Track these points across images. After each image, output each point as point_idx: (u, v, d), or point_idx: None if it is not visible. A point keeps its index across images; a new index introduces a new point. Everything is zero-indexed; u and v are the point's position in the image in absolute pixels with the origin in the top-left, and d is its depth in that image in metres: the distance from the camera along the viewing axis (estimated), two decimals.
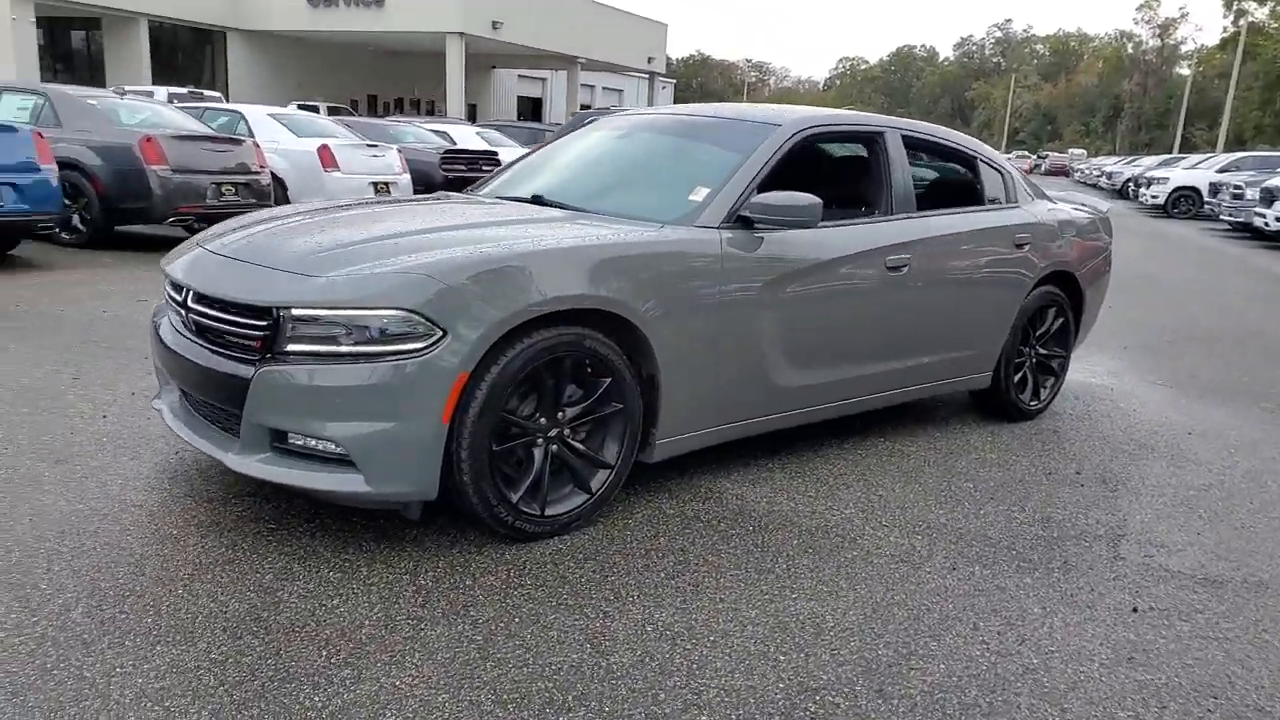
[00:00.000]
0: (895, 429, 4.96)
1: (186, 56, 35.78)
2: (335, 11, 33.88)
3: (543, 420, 3.24)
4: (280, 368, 2.90)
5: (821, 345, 4.05)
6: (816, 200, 3.68)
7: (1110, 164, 44.21)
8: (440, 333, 2.89)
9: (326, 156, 11.64)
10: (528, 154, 4.94)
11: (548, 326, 3.13)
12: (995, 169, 5.09)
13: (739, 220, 3.73)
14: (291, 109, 13.55)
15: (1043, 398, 5.38)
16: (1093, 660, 2.74)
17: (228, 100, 26.92)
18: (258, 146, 10.70)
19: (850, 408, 4.33)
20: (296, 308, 2.90)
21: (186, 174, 9.61)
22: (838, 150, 5.31)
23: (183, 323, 3.33)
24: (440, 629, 2.68)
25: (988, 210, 4.91)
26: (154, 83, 31.10)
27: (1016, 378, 5.21)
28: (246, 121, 12.15)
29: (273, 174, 11.03)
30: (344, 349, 2.88)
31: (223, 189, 10.00)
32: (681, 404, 3.59)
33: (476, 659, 2.54)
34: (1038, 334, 5.29)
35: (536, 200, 4.11)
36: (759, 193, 3.79)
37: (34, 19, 28.78)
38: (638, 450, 3.54)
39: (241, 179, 10.21)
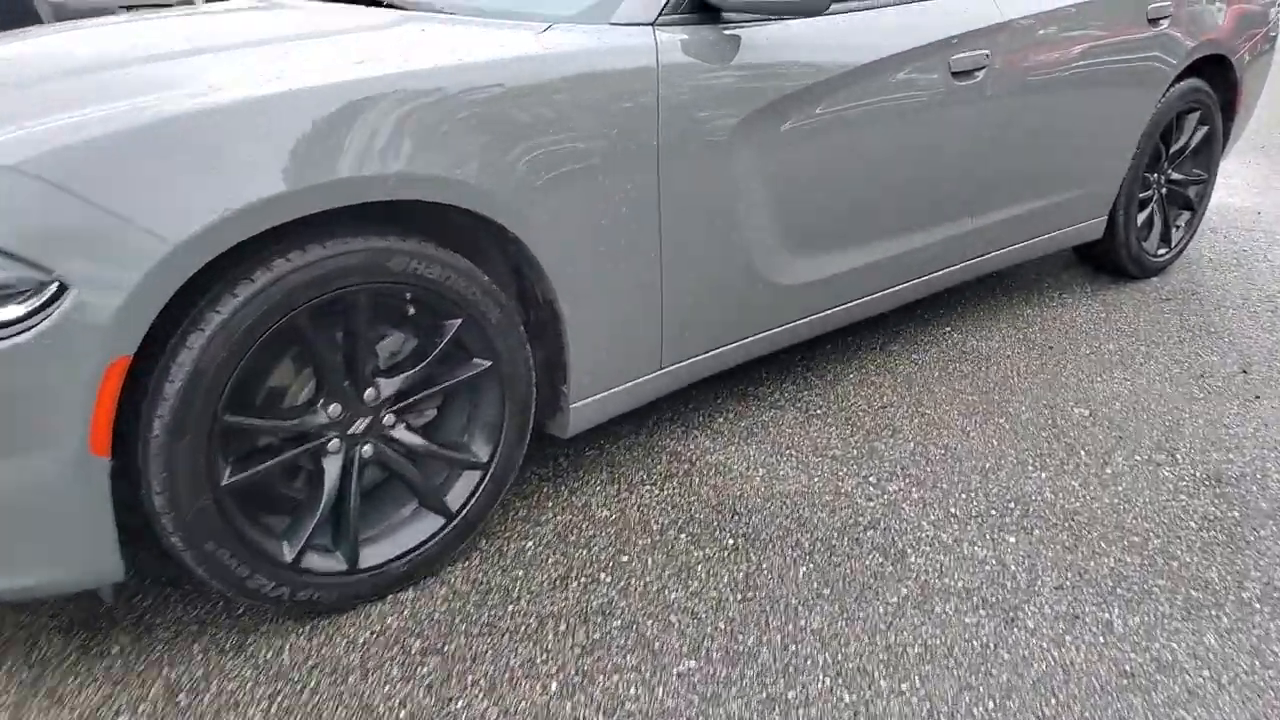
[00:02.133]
0: (959, 311, 3.44)
1: None
2: None
3: (334, 409, 1.80)
4: None
5: (845, 213, 2.52)
6: None
7: None
8: (51, 284, 1.44)
9: None
10: None
11: (312, 241, 1.66)
12: None
13: (696, 7, 2.14)
14: None
15: (1174, 243, 3.79)
16: None
17: None
18: None
19: (892, 299, 2.81)
20: None
21: None
22: None
23: None
24: None
25: None
26: None
27: (1141, 218, 3.61)
28: None
29: None
30: None
31: (134, 8, 8.29)
32: (605, 341, 2.13)
33: None
34: (1171, 151, 3.65)
35: None
36: None
37: None
38: (533, 424, 2.11)
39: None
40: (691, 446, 2.48)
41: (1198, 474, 2.38)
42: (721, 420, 2.61)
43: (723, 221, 2.24)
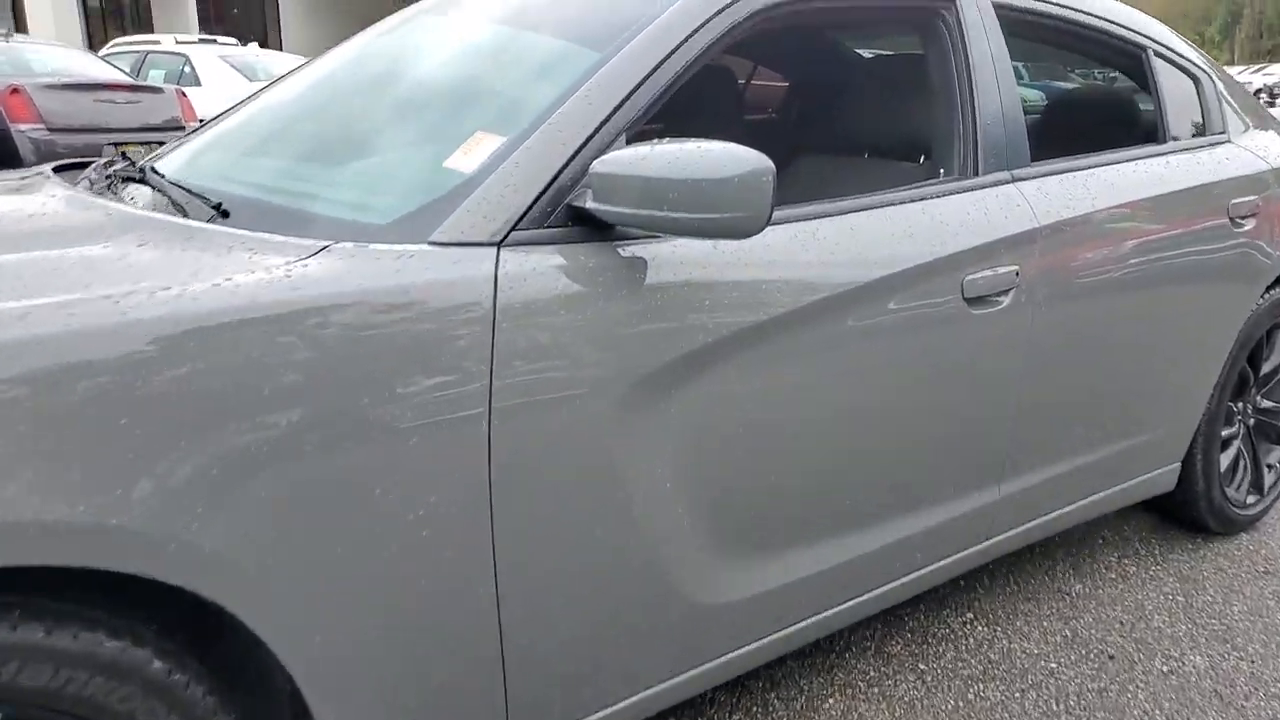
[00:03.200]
0: (986, 586, 2.62)
1: (236, 5, 34.43)
2: None
3: None
4: None
5: (805, 497, 1.75)
6: (761, 164, 1.36)
7: (1235, 73, 39.59)
8: None
9: None
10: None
11: None
12: (1183, 70, 2.62)
13: (572, 218, 1.44)
14: (251, 50, 11.47)
15: (1267, 489, 2.95)
16: None
17: (280, 49, 25.10)
18: (183, 96, 8.62)
19: (881, 601, 2.01)
20: None
21: (72, 133, 7.58)
22: (849, 46, 2.90)
23: None
24: None
25: (1173, 152, 2.46)
26: (200, 34, 29.73)
27: (1225, 460, 2.80)
28: (192, 66, 10.09)
29: None
30: None
31: (128, 151, 7.95)
32: None
33: None
34: (1261, 375, 2.86)
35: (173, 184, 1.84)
36: (626, 145, 1.47)
37: None
38: None
39: (158, 137, 8.16)
40: None
41: None
42: None
43: (610, 523, 1.48)
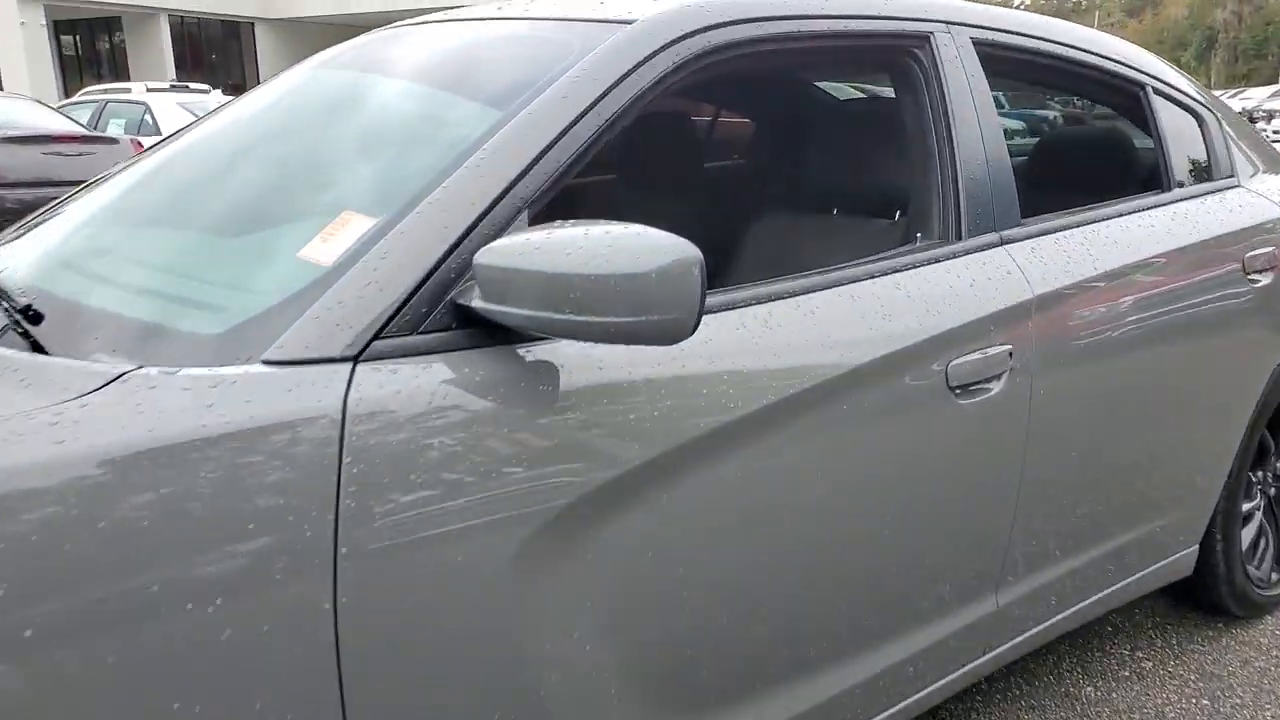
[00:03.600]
0: (986, 680, 2.31)
1: (215, 51, 34.41)
2: None
3: None
4: None
5: (756, 636, 1.45)
6: (685, 254, 1.07)
7: None
8: None
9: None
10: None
11: None
12: (1186, 108, 2.35)
13: (452, 317, 1.15)
14: (214, 96, 11.21)
15: None
16: None
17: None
18: (139, 146, 8.35)
19: None
20: None
21: (20, 187, 7.29)
22: (818, 88, 2.63)
23: None
24: None
25: (1179, 200, 2.18)
26: (177, 80, 29.67)
27: (1246, 537, 2.51)
28: (153, 114, 9.83)
29: None
30: None
31: None
32: None
33: None
34: None
35: None
36: (528, 227, 1.19)
37: (44, 22, 27.78)
38: None
39: None
40: None
41: None
42: None
43: (511, 706, 1.17)
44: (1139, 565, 2.16)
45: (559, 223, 1.14)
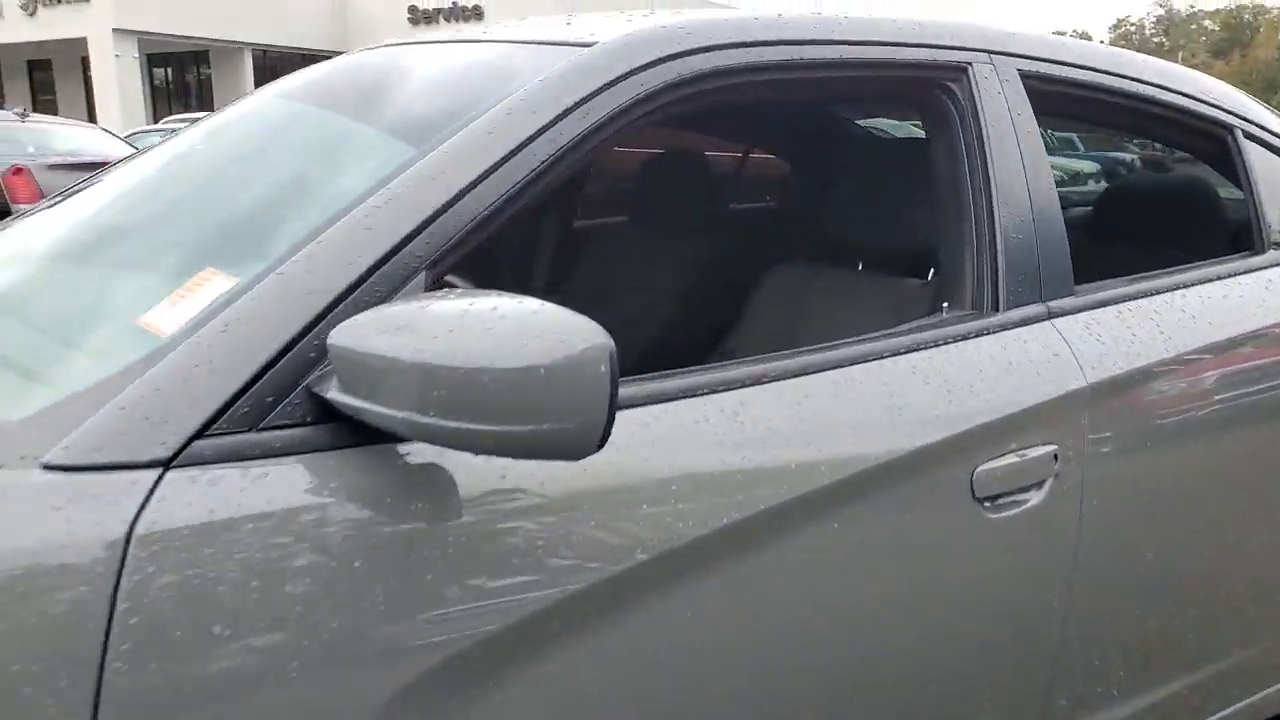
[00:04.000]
0: None
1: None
2: (436, 28, 32.53)
3: None
4: None
5: None
6: (591, 342, 0.80)
7: None
8: None
9: None
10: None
11: None
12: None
13: (310, 408, 0.89)
14: None
15: None
16: None
17: None
18: None
19: None
20: None
21: None
22: (812, 130, 2.33)
23: None
24: None
25: (1276, 265, 1.84)
26: None
27: None
28: None
29: None
30: None
31: None
32: None
33: None
34: None
35: None
36: (416, 295, 0.93)
37: (137, 55, 28.92)
38: None
39: None
40: None
41: None
42: None
43: None
44: (1218, 707, 1.80)
45: (444, 291, 0.88)
